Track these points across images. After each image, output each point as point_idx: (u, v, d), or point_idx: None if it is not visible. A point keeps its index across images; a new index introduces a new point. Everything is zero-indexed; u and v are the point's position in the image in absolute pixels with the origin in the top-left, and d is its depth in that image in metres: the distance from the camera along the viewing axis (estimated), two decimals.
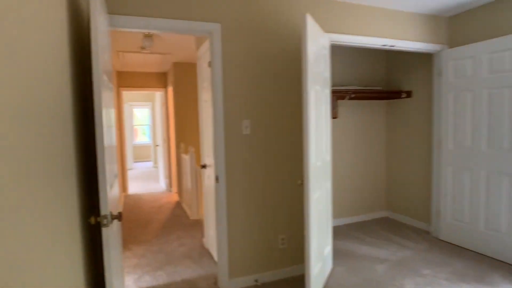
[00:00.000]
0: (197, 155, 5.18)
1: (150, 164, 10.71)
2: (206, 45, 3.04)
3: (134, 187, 7.13)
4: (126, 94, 9.63)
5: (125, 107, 9.86)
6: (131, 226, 4.38)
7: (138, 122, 11.11)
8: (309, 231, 2.25)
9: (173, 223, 4.49)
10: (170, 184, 6.69)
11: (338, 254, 3.24)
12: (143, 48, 4.32)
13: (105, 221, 1.50)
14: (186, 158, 4.87)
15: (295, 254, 2.89)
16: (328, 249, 2.76)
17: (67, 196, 1.31)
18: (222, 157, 2.59)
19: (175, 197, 6.07)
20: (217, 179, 2.60)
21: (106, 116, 1.69)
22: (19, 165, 0.83)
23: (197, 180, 4.50)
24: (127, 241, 3.81)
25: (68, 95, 1.44)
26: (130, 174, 8.92)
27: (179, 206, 5.41)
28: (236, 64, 2.60)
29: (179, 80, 5.63)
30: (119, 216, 1.60)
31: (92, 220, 1.53)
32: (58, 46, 1.30)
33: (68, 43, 1.50)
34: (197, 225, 4.35)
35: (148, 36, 3.75)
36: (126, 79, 6.30)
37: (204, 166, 3.30)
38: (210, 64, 2.65)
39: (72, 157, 1.45)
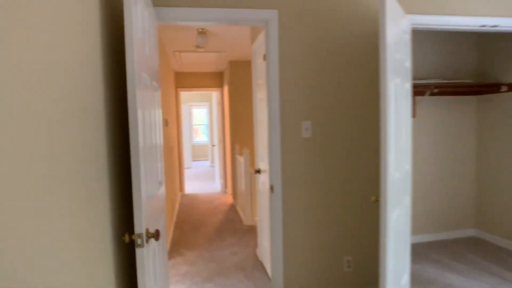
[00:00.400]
0: (252, 157, 4.93)
1: (207, 163, 10.87)
2: (261, 38, 2.73)
3: (191, 186, 7.19)
4: (185, 94, 9.86)
5: (185, 107, 10.12)
6: (184, 228, 4.30)
7: (197, 122, 11.40)
8: (385, 258, 1.80)
9: (226, 227, 4.30)
10: (225, 185, 6.58)
11: (416, 282, 2.69)
12: (198, 46, 4.19)
13: (139, 241, 1.27)
14: (240, 160, 4.65)
15: (363, 280, 2.43)
16: (405, 279, 2.25)
17: (97, 208, 1.10)
18: (278, 163, 2.26)
19: (229, 199, 5.92)
20: (271, 188, 2.28)
21: (146, 117, 1.47)
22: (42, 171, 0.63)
23: (251, 184, 4.24)
24: (179, 245, 3.70)
25: (100, 93, 1.24)
26: (188, 172, 9.10)
27: (233, 209, 5.22)
28: (295, 55, 2.25)
29: (234, 79, 5.45)
30: (156, 235, 1.37)
31: (126, 238, 1.31)
32: (88, 38, 1.09)
33: (101, 34, 1.30)
34: (251, 231, 4.09)
35: (201, 33, 3.59)
36: (184, 80, 6.34)
37: (258, 171, 3.01)
38: (265, 57, 2.33)
39: (104, 165, 1.24)
